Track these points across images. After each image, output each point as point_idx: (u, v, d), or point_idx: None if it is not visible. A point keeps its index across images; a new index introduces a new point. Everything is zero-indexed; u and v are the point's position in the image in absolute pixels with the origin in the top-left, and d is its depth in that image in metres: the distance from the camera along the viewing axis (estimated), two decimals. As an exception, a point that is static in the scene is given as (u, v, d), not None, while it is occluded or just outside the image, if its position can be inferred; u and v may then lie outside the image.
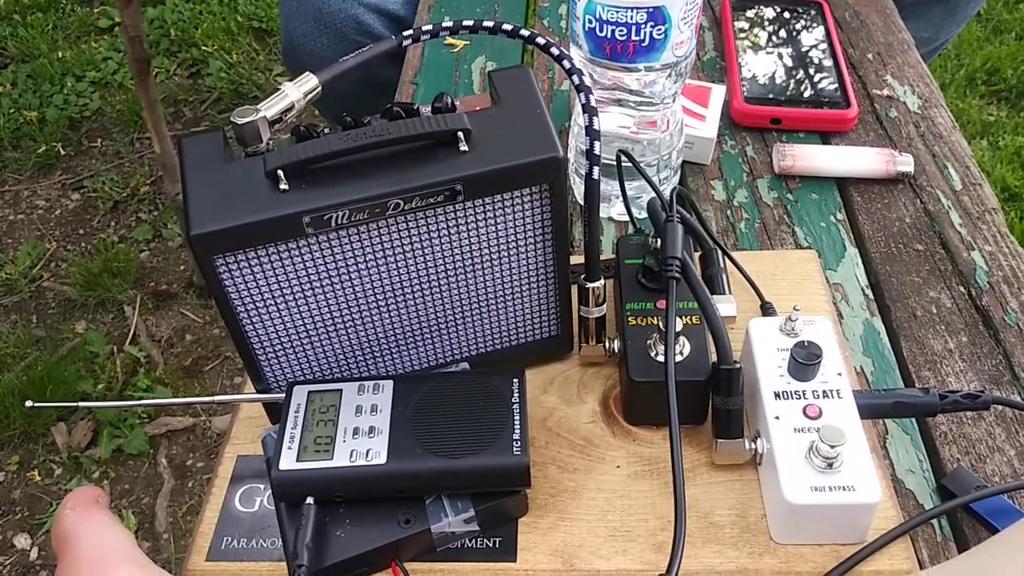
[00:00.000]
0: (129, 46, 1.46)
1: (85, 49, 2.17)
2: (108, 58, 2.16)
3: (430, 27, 0.52)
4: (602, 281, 0.53)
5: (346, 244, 0.45)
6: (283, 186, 0.43)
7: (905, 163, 0.71)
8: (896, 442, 0.54)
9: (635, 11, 0.56)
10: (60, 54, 2.15)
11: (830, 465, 0.44)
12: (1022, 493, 0.51)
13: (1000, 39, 2.13)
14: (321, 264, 0.46)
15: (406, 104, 0.47)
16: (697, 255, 0.61)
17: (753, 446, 0.49)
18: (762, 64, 0.81)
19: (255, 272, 0.45)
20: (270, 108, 0.47)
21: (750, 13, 0.87)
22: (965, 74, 2.04)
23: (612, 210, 0.69)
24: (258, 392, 0.51)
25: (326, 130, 0.48)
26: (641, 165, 0.65)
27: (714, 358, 0.49)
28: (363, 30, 0.95)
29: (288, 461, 0.45)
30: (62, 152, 1.92)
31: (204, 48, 2.20)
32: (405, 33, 0.52)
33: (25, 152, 1.91)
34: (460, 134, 0.45)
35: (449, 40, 0.90)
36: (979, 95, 2.01)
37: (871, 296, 0.63)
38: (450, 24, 0.52)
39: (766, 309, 0.57)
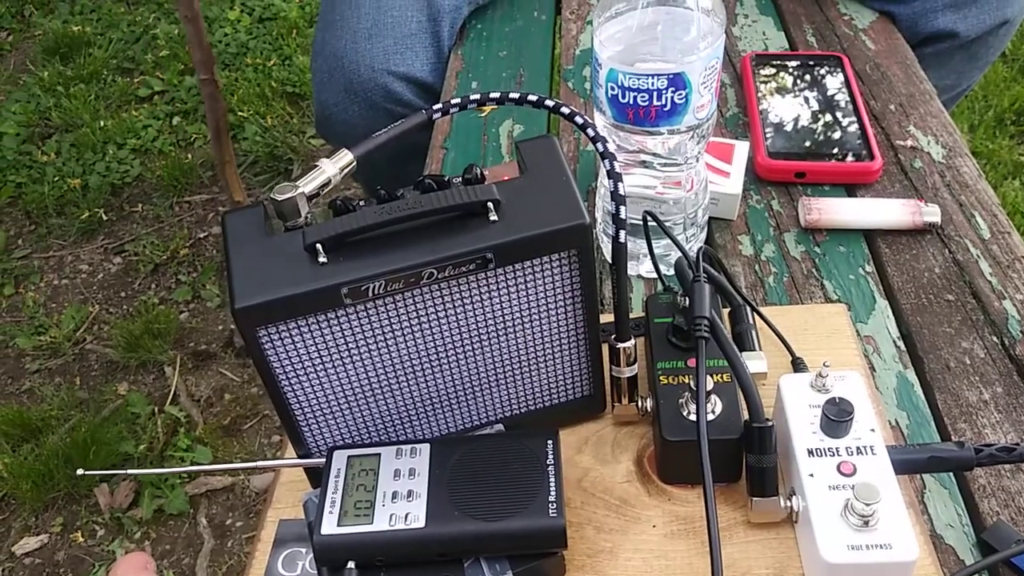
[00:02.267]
0: (210, 106, 1.54)
1: (126, 118, 2.24)
2: (148, 126, 2.23)
3: (458, 100, 0.55)
4: (633, 341, 0.53)
5: (383, 313, 0.47)
6: (322, 259, 0.45)
7: (932, 213, 0.72)
8: (934, 496, 0.54)
9: (656, 78, 0.58)
10: (102, 123, 2.22)
11: (866, 523, 0.44)
12: (1065, 547, 0.51)
13: (1027, 79, 2.13)
14: (359, 333, 0.47)
15: (438, 176, 0.49)
16: (726, 311, 0.61)
17: (788, 504, 0.49)
18: (785, 119, 0.82)
19: (296, 342, 0.47)
20: (308, 184, 0.49)
21: (771, 69, 0.89)
22: (994, 115, 2.03)
23: (640, 268, 0.70)
24: (299, 457, 0.52)
25: (362, 203, 0.50)
26: (668, 224, 0.66)
27: (746, 416, 0.50)
28: (392, 98, 0.98)
29: (329, 526, 0.46)
30: (104, 217, 1.97)
31: (240, 113, 2.26)
32: (435, 107, 0.54)
33: (69, 218, 1.97)
34: (490, 204, 0.46)
35: (477, 104, 0.92)
36: (1009, 135, 2.00)
37: (903, 348, 0.63)
38: (477, 96, 0.54)
39: (797, 365, 0.58)
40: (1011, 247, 0.71)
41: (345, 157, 0.51)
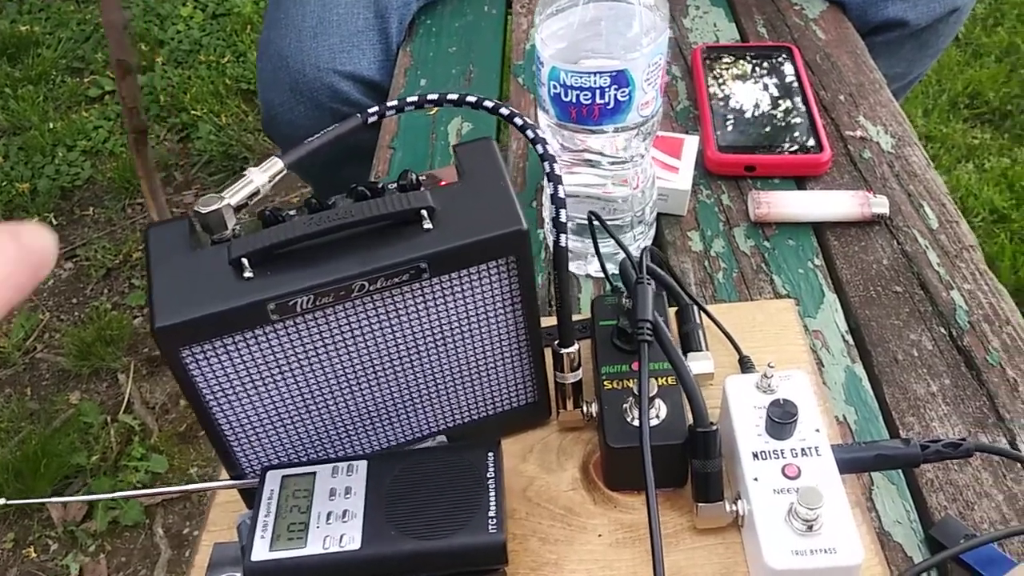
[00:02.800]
0: (127, 117, 1.49)
1: (76, 119, 2.19)
2: (99, 127, 2.18)
3: (396, 103, 0.53)
4: (576, 346, 0.52)
5: (313, 328, 0.45)
6: (247, 274, 0.43)
7: (880, 204, 0.71)
8: (882, 493, 0.54)
9: (598, 75, 0.57)
10: (51, 125, 2.17)
11: (810, 527, 0.44)
12: (1012, 540, 0.50)
13: (980, 62, 2.15)
14: (289, 349, 0.46)
15: (371, 184, 0.48)
16: (674, 311, 0.60)
17: (734, 508, 0.48)
18: (735, 112, 0.82)
19: (222, 361, 0.45)
20: (235, 195, 0.47)
21: (721, 61, 0.88)
22: (947, 99, 2.05)
23: (589, 267, 0.69)
24: (232, 478, 0.50)
25: (292, 213, 0.48)
26: (615, 223, 0.65)
27: (692, 420, 0.49)
28: (339, 98, 0.96)
29: (261, 551, 0.44)
30: (54, 222, 1.93)
31: (193, 112, 2.22)
32: (371, 110, 0.53)
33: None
34: (423, 212, 0.45)
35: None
36: (962, 119, 2.02)
37: (851, 342, 0.63)
38: (415, 99, 0.53)
39: (744, 364, 0.57)
40: (959, 236, 0.71)
41: (275, 165, 0.49)
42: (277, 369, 0.46)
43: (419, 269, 0.44)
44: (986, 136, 1.97)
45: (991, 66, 2.13)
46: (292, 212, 0.48)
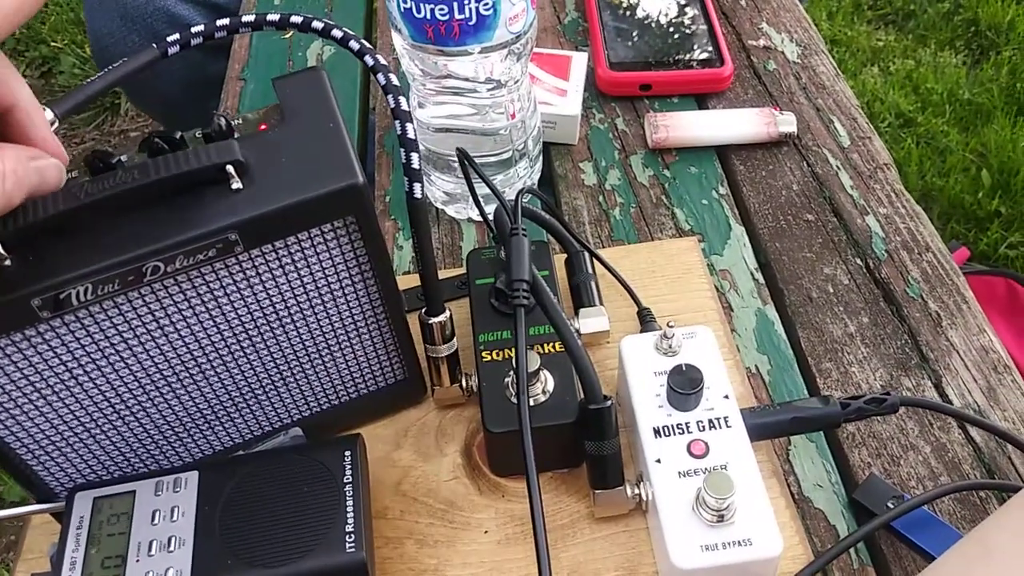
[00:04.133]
0: None
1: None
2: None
3: (201, 28, 0.43)
4: (447, 314, 0.44)
5: (104, 322, 0.36)
6: (4, 261, 0.34)
7: (787, 123, 0.65)
8: (800, 453, 0.48)
9: (454, -15, 0.47)
10: None
11: (721, 517, 0.38)
12: (943, 499, 0.46)
13: (882, -39, 2.10)
14: (78, 349, 0.36)
15: (168, 135, 0.38)
16: (563, 259, 0.53)
17: (637, 491, 0.42)
18: (628, 24, 0.73)
19: (-12, 371, 0.35)
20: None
21: (611, -34, 0.79)
22: (851, 0, 2.00)
23: (471, 211, 0.61)
24: (39, 502, 0.42)
25: (73, 173, 0.38)
26: (495, 161, 0.57)
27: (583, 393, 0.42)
28: (178, 22, 0.83)
29: (63, 600, 0.36)
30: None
31: (54, 44, 2.01)
32: (170, 39, 0.42)
33: None
34: (230, 168, 0.36)
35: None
36: (866, 21, 1.98)
37: (762, 280, 0.57)
38: (227, 23, 0.43)
39: (644, 317, 0.50)
40: (872, 154, 0.65)
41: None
42: (68, 373, 0.37)
43: (228, 241, 0.35)
44: (890, 38, 1.94)
45: (893, -36, 2.08)
46: (74, 173, 0.38)
